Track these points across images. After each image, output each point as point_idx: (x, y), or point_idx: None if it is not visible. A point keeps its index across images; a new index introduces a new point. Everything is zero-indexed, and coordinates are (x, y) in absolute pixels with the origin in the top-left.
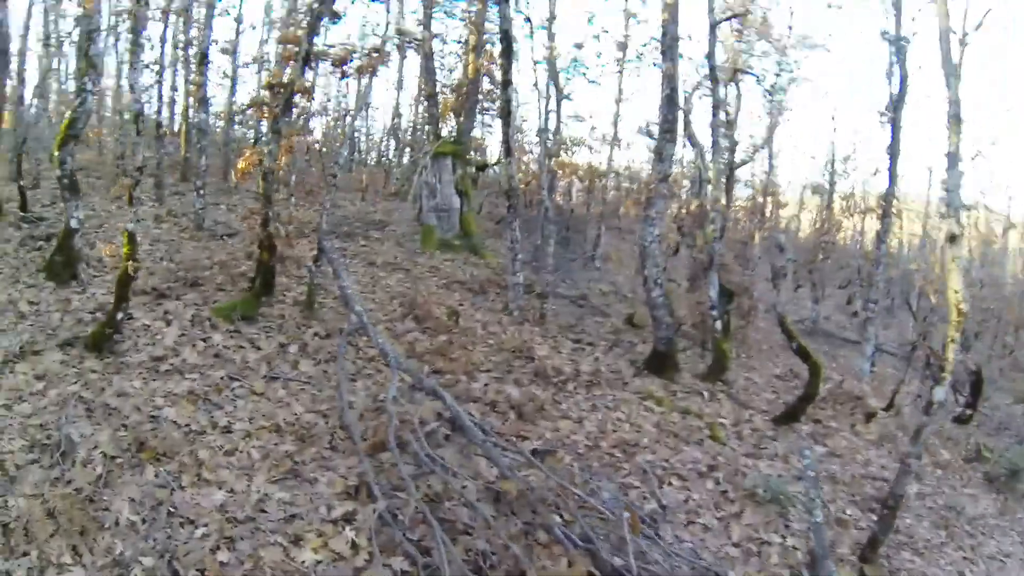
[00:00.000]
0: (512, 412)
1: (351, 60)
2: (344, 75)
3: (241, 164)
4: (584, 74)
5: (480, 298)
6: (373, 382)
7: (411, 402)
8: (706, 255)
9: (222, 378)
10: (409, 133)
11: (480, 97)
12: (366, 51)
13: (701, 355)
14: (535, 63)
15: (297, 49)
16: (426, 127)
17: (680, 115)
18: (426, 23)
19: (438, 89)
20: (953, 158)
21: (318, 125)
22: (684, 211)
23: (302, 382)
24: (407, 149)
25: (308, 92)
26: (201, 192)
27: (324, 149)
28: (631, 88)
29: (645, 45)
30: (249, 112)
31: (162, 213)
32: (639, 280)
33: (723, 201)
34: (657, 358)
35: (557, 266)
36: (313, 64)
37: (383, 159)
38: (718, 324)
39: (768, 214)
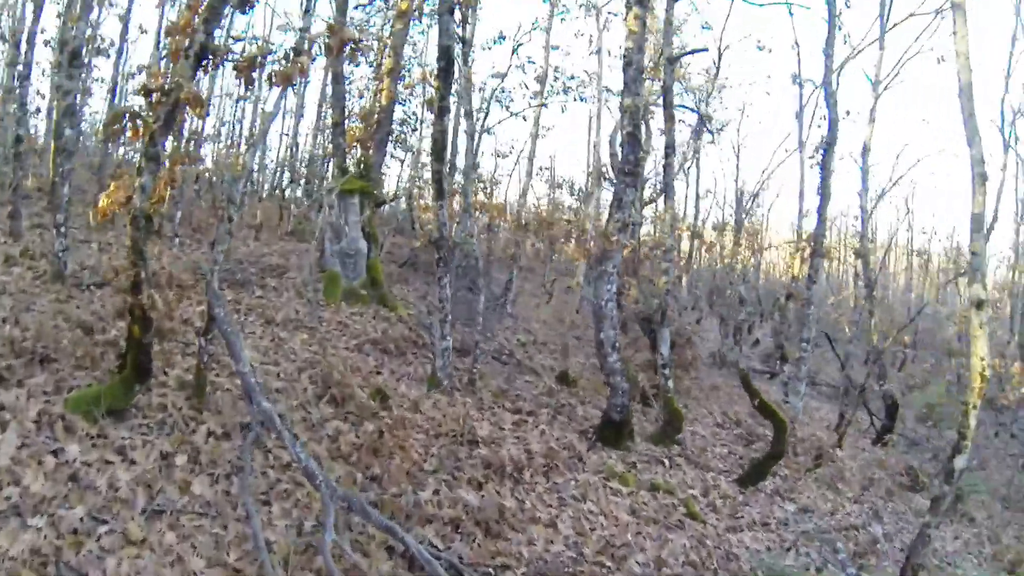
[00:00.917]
0: (478, 529)
1: (261, 65)
2: (250, 84)
3: (102, 201)
4: (508, 107)
5: (398, 361)
6: (294, 503)
7: (349, 530)
8: (658, 308)
9: (82, 520)
10: (304, 164)
11: (393, 128)
12: (285, 52)
13: (643, 412)
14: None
15: (189, 42)
16: (327, 160)
17: (606, 154)
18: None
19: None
20: (978, 220)
21: (208, 151)
22: None
23: (197, 514)
24: (302, 182)
25: (200, 103)
26: (63, 229)
27: (215, 179)
28: (548, 122)
29: (572, 78)
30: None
31: (15, 253)
32: (554, 326)
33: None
34: (611, 427)
35: (485, 323)
36: (209, 65)
37: (276, 192)
38: (670, 383)
39: (693, 255)
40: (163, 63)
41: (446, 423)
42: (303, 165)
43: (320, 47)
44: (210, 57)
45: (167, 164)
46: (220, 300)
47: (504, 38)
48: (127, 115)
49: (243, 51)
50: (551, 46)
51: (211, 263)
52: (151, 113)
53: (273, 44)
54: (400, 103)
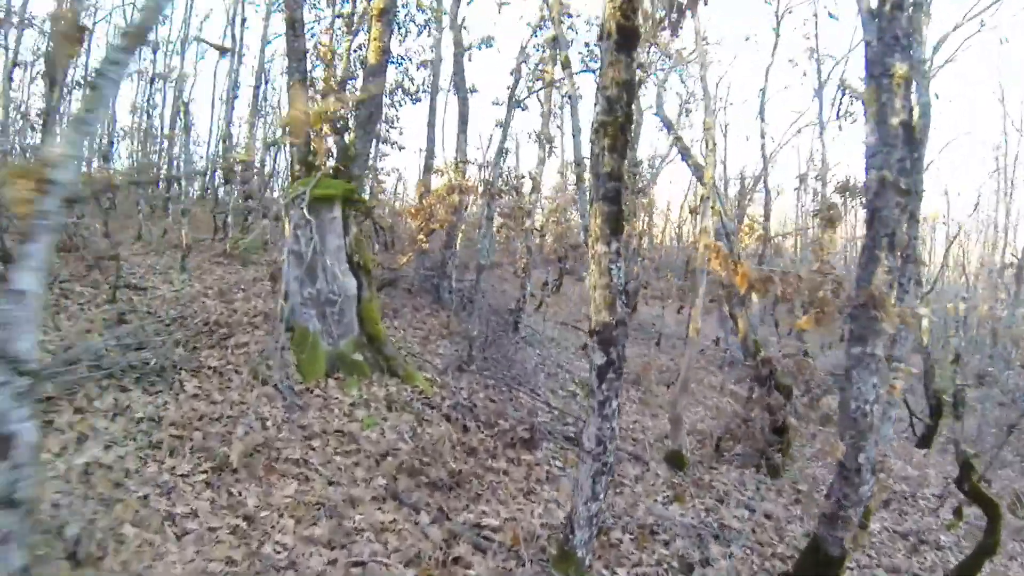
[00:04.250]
0: None
1: None
2: None
3: None
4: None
5: (462, 499)
6: None
7: None
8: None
9: None
10: (235, 156)
11: (385, 101)
12: None
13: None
14: None
15: None
16: (274, 148)
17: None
18: None
19: (309, 86)
20: None
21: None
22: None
23: None
24: (241, 184)
25: None
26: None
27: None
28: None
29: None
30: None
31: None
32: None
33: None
34: (827, 565)
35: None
36: None
37: (206, 194)
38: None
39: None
40: None
41: None
42: (237, 160)
43: None
44: None
45: None
46: None
47: None
48: None
49: None
50: None
51: None
52: None
53: None
54: (394, 62)
